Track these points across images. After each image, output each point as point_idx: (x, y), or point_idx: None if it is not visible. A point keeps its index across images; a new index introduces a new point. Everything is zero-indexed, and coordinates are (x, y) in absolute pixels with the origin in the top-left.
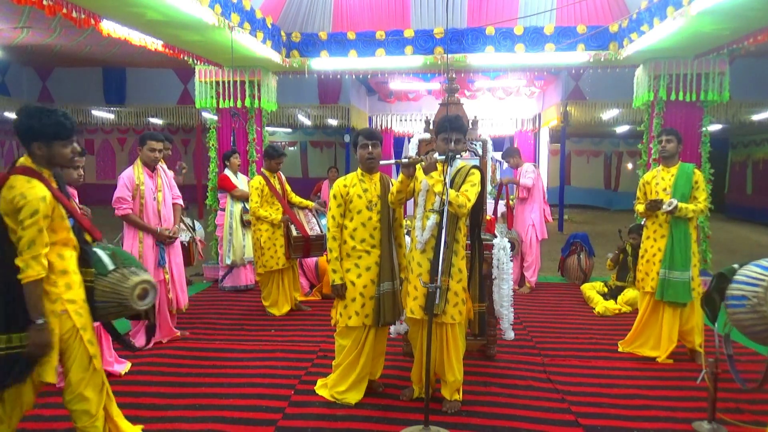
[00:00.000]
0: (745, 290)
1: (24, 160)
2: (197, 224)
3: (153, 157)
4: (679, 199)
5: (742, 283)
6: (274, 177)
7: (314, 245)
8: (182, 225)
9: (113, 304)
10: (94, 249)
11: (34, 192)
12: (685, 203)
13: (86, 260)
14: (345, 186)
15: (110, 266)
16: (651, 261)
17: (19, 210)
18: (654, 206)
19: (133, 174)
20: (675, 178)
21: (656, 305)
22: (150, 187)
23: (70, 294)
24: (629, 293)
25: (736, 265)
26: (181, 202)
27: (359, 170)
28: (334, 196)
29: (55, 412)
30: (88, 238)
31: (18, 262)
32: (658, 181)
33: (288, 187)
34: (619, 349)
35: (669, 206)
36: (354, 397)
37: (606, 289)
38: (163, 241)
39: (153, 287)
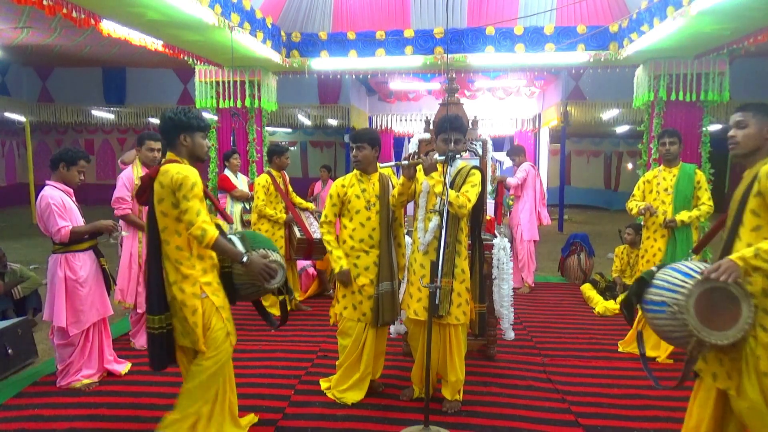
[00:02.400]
0: (665, 296)
1: (169, 155)
2: None
3: (152, 157)
4: (681, 200)
5: (663, 289)
6: (280, 176)
7: (317, 248)
8: None
9: (247, 285)
10: (229, 236)
11: (190, 169)
12: (687, 205)
13: None
14: (343, 186)
15: (241, 250)
16: (651, 261)
17: (179, 186)
18: (649, 213)
19: (133, 174)
20: (677, 178)
21: None
22: None
23: (205, 277)
24: None
25: (654, 268)
26: None
27: (357, 171)
28: (330, 196)
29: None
30: (223, 225)
31: (194, 230)
32: (660, 181)
33: (290, 188)
34: (619, 349)
35: (671, 223)
36: (355, 396)
37: (602, 281)
38: None
39: (281, 266)
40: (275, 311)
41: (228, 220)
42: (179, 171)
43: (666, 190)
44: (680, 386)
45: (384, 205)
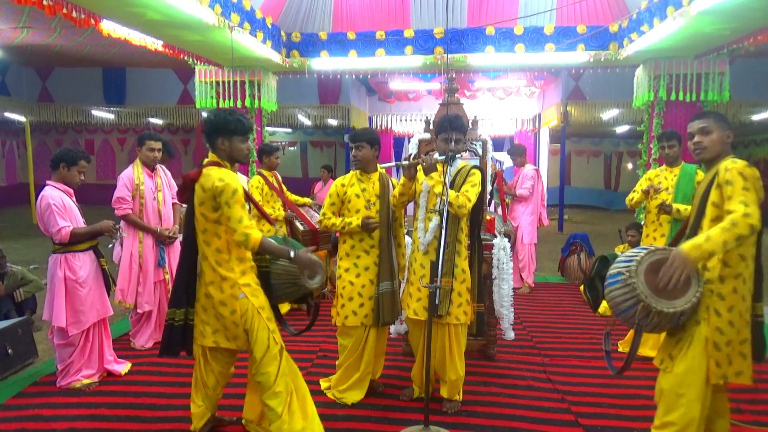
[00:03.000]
0: (620, 267)
1: (211, 157)
2: None
3: (153, 157)
4: (681, 199)
5: (619, 262)
6: (272, 176)
7: (322, 237)
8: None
9: (288, 284)
10: (268, 237)
11: (231, 176)
12: (687, 204)
13: None
14: (343, 185)
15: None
16: None
17: (221, 192)
18: (653, 190)
19: (133, 174)
20: (678, 178)
21: None
22: (150, 187)
23: (244, 279)
24: None
25: (617, 251)
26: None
27: (358, 170)
28: (330, 195)
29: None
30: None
31: (237, 236)
32: (661, 180)
33: (284, 187)
34: (619, 349)
35: (666, 207)
36: (355, 396)
37: None
38: (163, 241)
39: (321, 267)
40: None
41: (270, 222)
42: (221, 178)
43: (667, 189)
44: (627, 367)
45: (384, 205)
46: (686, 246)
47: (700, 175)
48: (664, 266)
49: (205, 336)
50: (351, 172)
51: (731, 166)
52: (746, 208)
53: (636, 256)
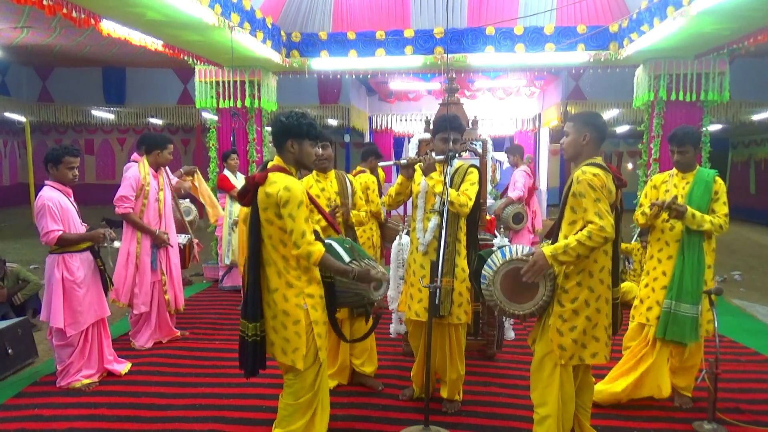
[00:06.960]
0: (486, 271)
1: (276, 161)
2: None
3: (171, 159)
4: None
5: (487, 266)
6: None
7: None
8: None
9: (351, 293)
10: (330, 241)
11: (297, 185)
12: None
13: None
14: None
15: (347, 258)
16: (650, 286)
17: (285, 203)
18: (660, 208)
19: (140, 174)
20: (691, 186)
21: (655, 341)
22: (154, 187)
23: (310, 289)
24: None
25: (495, 248)
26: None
27: (314, 171)
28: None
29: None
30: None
31: (300, 252)
32: (669, 187)
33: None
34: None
35: (677, 205)
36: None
37: None
38: (159, 244)
39: (386, 279)
40: None
41: (337, 230)
42: (287, 187)
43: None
44: (500, 349)
45: (344, 201)
46: (547, 251)
47: (719, 183)
48: (527, 263)
49: (273, 345)
50: (308, 175)
51: (582, 178)
52: (600, 221)
53: (495, 264)
